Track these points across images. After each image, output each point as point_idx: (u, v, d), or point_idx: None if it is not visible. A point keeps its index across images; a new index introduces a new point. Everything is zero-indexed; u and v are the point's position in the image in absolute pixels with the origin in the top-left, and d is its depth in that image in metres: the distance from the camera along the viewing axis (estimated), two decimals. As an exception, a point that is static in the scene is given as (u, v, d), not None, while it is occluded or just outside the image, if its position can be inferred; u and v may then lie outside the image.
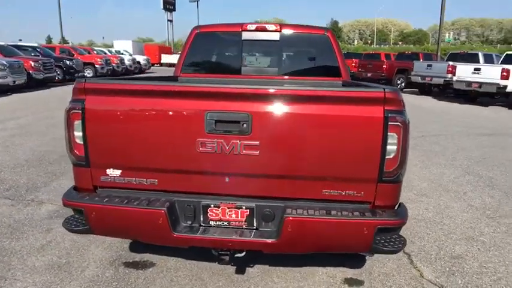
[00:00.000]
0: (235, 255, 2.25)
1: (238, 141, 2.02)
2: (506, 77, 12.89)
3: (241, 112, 2.00)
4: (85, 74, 20.51)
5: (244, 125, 2.00)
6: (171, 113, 2.07)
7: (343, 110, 1.99)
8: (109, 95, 2.11)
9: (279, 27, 3.82)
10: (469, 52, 18.58)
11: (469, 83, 14.02)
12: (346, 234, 2.05)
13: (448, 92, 16.45)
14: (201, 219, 2.20)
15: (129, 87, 2.12)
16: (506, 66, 13.02)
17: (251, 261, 2.93)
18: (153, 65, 35.17)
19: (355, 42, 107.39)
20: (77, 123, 2.14)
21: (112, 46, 44.48)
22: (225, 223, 2.20)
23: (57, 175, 4.98)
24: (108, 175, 2.20)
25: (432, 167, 5.93)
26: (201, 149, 2.05)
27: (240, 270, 2.87)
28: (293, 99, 2.01)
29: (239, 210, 2.16)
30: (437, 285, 2.77)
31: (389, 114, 1.96)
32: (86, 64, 20.59)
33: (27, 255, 3.01)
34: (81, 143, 2.16)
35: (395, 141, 1.99)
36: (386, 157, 2.00)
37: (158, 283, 2.70)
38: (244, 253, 2.25)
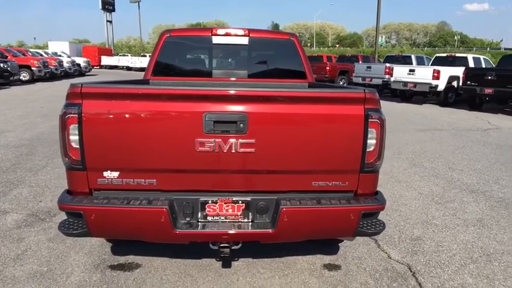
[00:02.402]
0: (232, 248, 2.38)
1: (235, 140, 2.16)
2: (437, 78, 14.17)
3: (238, 113, 2.15)
4: (20, 78, 19.18)
5: (241, 125, 2.15)
6: (169, 115, 2.16)
7: (329, 109, 2.22)
8: (106, 99, 2.15)
9: (247, 32, 3.99)
10: (403, 55, 20.08)
11: (405, 83, 15.20)
12: (335, 220, 2.29)
13: (385, 91, 17.65)
14: (199, 215, 2.31)
15: (126, 91, 2.18)
16: (437, 68, 14.32)
17: (235, 255, 3.08)
18: (92, 67, 33.61)
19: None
20: (73, 127, 2.15)
21: (46, 47, 41.86)
22: (222, 218, 2.33)
23: (14, 184, 4.73)
24: (105, 177, 2.23)
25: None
26: (199, 148, 2.16)
27: (226, 265, 3.01)
28: (285, 100, 2.20)
29: (235, 205, 2.31)
30: (404, 264, 3.11)
31: (369, 112, 2.22)
32: (21, 67, 19.23)
33: (3, 266, 2.90)
34: (77, 146, 2.18)
35: (374, 136, 2.25)
36: (367, 150, 2.26)
37: (149, 282, 2.76)
38: (240, 245, 2.39)
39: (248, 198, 2.30)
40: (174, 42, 3.99)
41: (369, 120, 2.22)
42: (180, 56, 4.19)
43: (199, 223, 2.31)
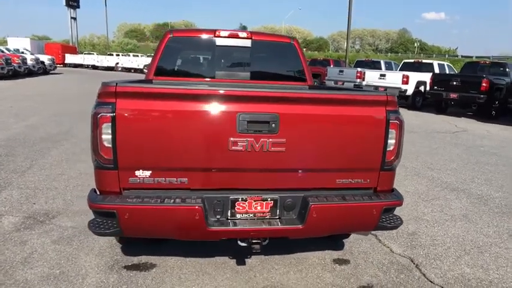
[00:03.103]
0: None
1: (267, 139, 2.25)
2: (406, 82, 14.84)
3: (271, 113, 2.24)
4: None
5: (273, 125, 2.24)
6: (203, 114, 2.21)
7: (354, 111, 2.35)
8: (140, 98, 2.17)
9: (250, 34, 4.08)
10: (373, 60, 20.81)
11: (376, 87, 15.74)
12: (359, 215, 2.42)
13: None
14: (229, 213, 2.38)
15: (161, 91, 2.21)
16: (406, 73, 14.99)
17: (247, 253, 3.15)
18: (56, 65, 32.33)
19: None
20: (106, 126, 2.15)
21: (4, 43, 39.80)
22: (251, 215, 2.40)
23: (2, 185, 4.55)
24: (137, 177, 2.24)
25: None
26: (232, 147, 2.23)
27: (241, 262, 3.08)
28: (314, 101, 2.31)
29: (264, 202, 2.39)
30: (406, 257, 3.30)
31: (390, 114, 2.37)
32: (-19, 64, 18.24)
33: (12, 270, 2.82)
34: (109, 146, 2.18)
35: (394, 136, 2.41)
36: (387, 149, 2.42)
37: (168, 281, 2.78)
38: (267, 241, 2.47)
39: (276, 196, 2.39)
40: (177, 43, 4.01)
41: (390, 121, 2.37)
42: (183, 56, 4.21)
43: (229, 220, 2.37)
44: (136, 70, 36.43)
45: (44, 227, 3.53)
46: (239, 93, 2.25)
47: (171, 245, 3.20)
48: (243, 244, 2.46)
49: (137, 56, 40.55)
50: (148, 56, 39.44)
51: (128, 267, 2.93)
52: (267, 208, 2.40)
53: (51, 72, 27.33)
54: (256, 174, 2.35)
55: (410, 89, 15.05)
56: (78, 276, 2.78)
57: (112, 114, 2.14)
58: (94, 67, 40.06)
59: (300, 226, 2.33)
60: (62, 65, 40.36)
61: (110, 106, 2.14)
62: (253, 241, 2.39)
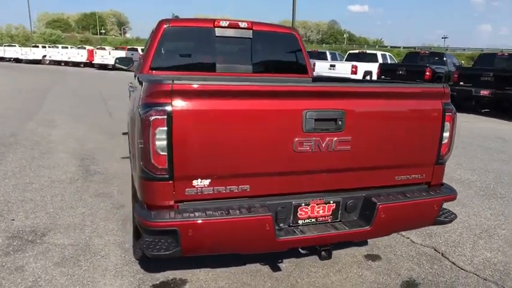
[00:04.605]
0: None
1: (333, 138, 2.08)
2: (355, 72, 15.40)
3: (337, 110, 2.07)
4: None
5: (340, 122, 2.08)
6: (268, 113, 1.98)
7: (414, 104, 2.27)
8: (198, 98, 1.88)
9: (250, 24, 3.84)
10: (319, 51, 21.28)
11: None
12: (422, 211, 2.36)
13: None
14: (291, 219, 2.18)
15: (222, 88, 1.93)
16: (355, 63, 15.53)
17: (277, 258, 2.97)
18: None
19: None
20: (160, 131, 1.84)
21: None
22: (313, 220, 2.23)
23: (-36, 202, 3.87)
24: (195, 187, 1.96)
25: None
26: (298, 148, 2.03)
27: (275, 268, 2.89)
28: (378, 96, 2.19)
29: (326, 205, 2.23)
30: (429, 246, 3.35)
31: (446, 106, 2.32)
32: None
33: (20, 304, 2.37)
34: (164, 153, 1.87)
35: (449, 129, 2.37)
36: (442, 142, 2.37)
37: (209, 298, 2.52)
38: (331, 245, 2.32)
39: (339, 198, 2.24)
40: (174, 33, 3.66)
41: (446, 114, 2.32)
42: (181, 48, 3.86)
43: (291, 227, 2.18)
44: (67, 63, 33.79)
45: (37, 248, 3.04)
46: (306, 88, 2.06)
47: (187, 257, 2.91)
48: (303, 251, 2.29)
49: (66, 47, 37.47)
50: (79, 48, 36.69)
51: (157, 286, 2.61)
52: (329, 211, 2.25)
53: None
54: (318, 175, 2.18)
55: (358, 78, 15.62)
56: (104, 303, 2.41)
57: (168, 117, 1.83)
58: (17, 60, 36.32)
59: (367, 228, 2.21)
60: None
61: (165, 107, 1.83)
62: (323, 248, 2.22)
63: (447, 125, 2.36)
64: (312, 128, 2.03)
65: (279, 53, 4.12)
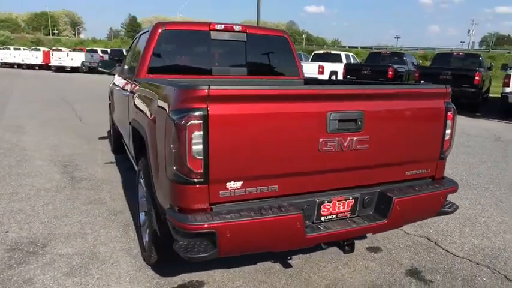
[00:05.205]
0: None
1: (353, 137, 2.21)
2: (322, 72, 15.82)
3: (357, 111, 2.20)
4: None
5: (359, 122, 2.21)
6: (295, 116, 2.08)
7: (422, 104, 2.47)
8: (232, 102, 1.94)
9: (244, 28, 3.91)
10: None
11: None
12: (430, 203, 2.55)
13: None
14: (315, 216, 2.29)
15: (253, 93, 2.00)
16: (321, 63, 15.94)
17: (286, 255, 3.07)
18: None
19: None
20: (196, 135, 1.88)
21: None
22: (334, 216, 2.35)
23: None
24: (228, 189, 2.01)
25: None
26: (323, 148, 2.14)
27: (286, 264, 2.99)
28: (392, 96, 2.35)
29: (346, 202, 2.36)
30: (422, 236, 3.58)
31: (447, 105, 2.53)
32: None
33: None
34: (200, 157, 1.91)
35: (450, 126, 2.58)
36: (445, 139, 2.58)
37: (230, 297, 2.57)
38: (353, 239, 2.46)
39: (357, 194, 2.38)
40: (170, 37, 3.65)
41: (448, 112, 2.53)
42: (177, 51, 3.85)
43: (315, 224, 2.29)
44: (20, 65, 32.09)
45: (41, 259, 2.94)
46: (329, 91, 2.17)
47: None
48: (325, 246, 2.40)
49: (19, 49, 35.49)
50: (33, 50, 34.88)
51: (177, 290, 2.63)
52: (348, 207, 2.38)
53: None
54: (339, 174, 2.31)
55: (325, 78, 16.05)
56: (126, 310, 2.40)
57: (204, 122, 1.88)
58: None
59: (385, 221, 2.36)
60: None
61: (202, 112, 1.87)
62: (346, 243, 2.35)
63: (449, 122, 2.57)
64: (335, 128, 2.15)
65: (272, 55, 4.22)
